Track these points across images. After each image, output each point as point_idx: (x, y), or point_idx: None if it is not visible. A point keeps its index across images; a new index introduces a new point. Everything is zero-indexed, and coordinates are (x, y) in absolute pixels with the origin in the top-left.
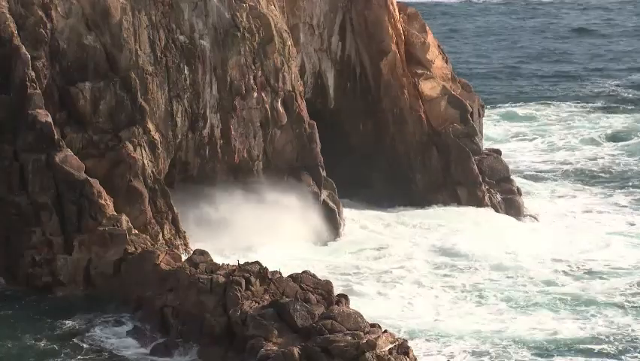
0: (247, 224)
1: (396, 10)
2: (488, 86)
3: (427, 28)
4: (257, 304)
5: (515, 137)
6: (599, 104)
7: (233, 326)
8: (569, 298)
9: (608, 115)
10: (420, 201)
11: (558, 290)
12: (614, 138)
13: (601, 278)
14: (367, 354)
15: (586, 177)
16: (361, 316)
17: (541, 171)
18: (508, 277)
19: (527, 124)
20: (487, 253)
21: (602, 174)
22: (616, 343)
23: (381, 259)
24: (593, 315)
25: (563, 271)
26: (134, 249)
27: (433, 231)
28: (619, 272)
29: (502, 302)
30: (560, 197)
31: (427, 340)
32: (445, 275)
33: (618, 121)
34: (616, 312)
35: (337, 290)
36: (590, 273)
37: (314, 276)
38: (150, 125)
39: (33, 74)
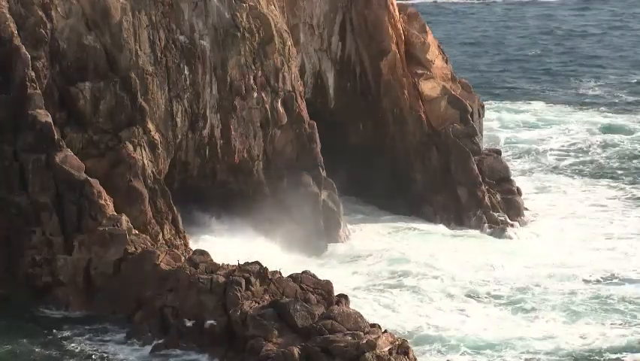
0: None
1: (396, 10)
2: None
3: (427, 28)
4: (257, 304)
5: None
6: (589, 103)
7: (234, 326)
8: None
9: (605, 113)
10: (420, 201)
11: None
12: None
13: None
14: (367, 354)
15: (582, 175)
16: (361, 316)
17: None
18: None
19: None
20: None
21: (604, 172)
22: None
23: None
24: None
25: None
26: (134, 249)
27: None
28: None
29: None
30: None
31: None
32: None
33: (617, 120)
34: None
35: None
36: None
37: (314, 276)
38: (150, 126)
39: (33, 74)
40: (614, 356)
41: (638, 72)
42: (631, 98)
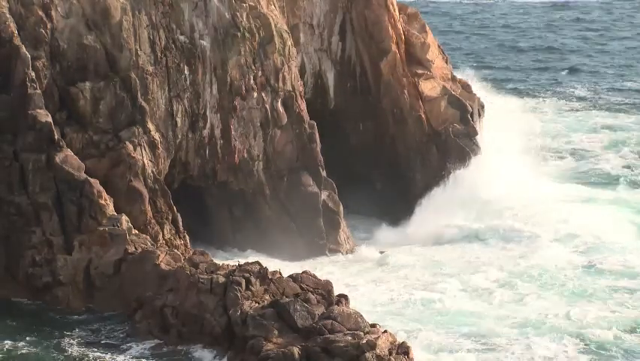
0: None
1: (396, 10)
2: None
3: (427, 28)
4: (257, 304)
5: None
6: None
7: (234, 326)
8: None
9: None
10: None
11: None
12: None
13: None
14: (367, 354)
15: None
16: (361, 316)
17: None
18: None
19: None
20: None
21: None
22: None
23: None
24: None
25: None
26: (134, 249)
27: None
28: None
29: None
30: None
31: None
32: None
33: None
34: None
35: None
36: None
37: (314, 276)
38: (150, 125)
39: (33, 74)
40: None
41: (630, 74)
42: (622, 99)
